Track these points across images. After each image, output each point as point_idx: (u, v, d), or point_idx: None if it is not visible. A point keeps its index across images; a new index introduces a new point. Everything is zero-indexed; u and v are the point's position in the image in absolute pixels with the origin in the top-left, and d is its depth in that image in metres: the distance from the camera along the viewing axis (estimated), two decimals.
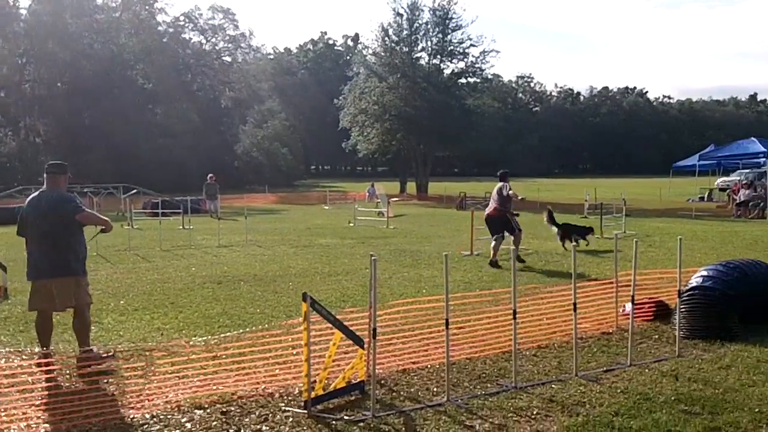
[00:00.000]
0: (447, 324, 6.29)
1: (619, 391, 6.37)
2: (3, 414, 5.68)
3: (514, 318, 6.65)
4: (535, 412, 5.84)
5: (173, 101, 67.27)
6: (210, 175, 32.18)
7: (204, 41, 75.24)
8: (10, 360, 7.34)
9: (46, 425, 5.55)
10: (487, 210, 15.75)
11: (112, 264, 15.07)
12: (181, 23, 73.58)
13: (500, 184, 15.66)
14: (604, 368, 7.08)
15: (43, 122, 63.11)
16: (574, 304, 7.01)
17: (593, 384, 6.58)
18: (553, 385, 6.55)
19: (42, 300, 7.28)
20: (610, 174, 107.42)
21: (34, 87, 62.92)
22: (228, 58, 76.89)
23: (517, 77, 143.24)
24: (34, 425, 5.54)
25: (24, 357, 7.48)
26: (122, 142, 57.99)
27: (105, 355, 7.41)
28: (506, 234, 15.03)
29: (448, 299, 6.27)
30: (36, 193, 7.51)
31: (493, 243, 14.94)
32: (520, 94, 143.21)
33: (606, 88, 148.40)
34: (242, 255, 16.53)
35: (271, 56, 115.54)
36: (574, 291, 7.00)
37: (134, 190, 40.76)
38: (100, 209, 22.95)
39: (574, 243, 16.44)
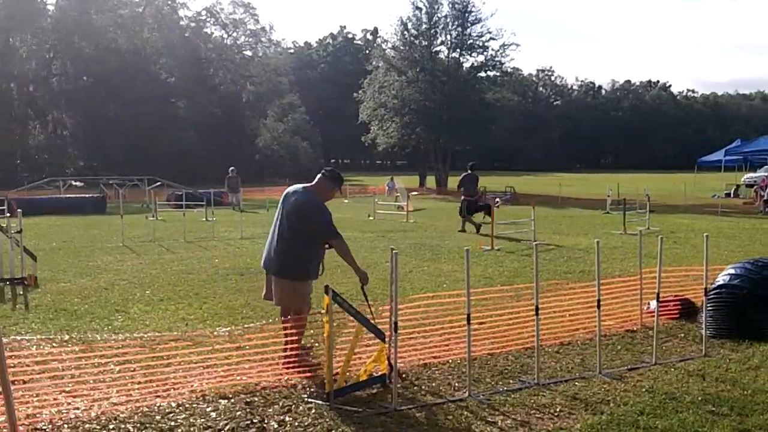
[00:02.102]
0: (468, 319, 6.28)
1: (644, 390, 6.32)
2: (35, 400, 5.77)
3: (537, 314, 6.64)
4: (558, 410, 5.82)
5: (195, 95, 67.64)
6: (232, 168, 32.39)
7: (225, 36, 75.59)
8: (41, 347, 7.43)
9: (76, 411, 5.62)
10: (471, 196, 20.38)
11: (137, 255, 15.21)
12: (203, 18, 74.00)
13: (471, 173, 20.68)
14: (629, 366, 7.04)
15: (70, 115, 63.75)
16: (598, 300, 6.96)
17: (617, 382, 6.54)
18: (576, 383, 6.53)
19: (268, 289, 7.37)
20: (633, 169, 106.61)
21: (61, 81, 63.57)
22: (249, 53, 77.23)
23: (538, 71, 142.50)
24: (65, 411, 5.61)
25: (54, 344, 7.58)
26: (145, 135, 58.44)
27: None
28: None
29: (470, 294, 6.28)
30: (294, 186, 7.28)
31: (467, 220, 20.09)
32: (541, 88, 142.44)
33: (628, 81, 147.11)
34: (264, 247, 16.56)
35: (291, 50, 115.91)
36: (598, 287, 6.96)
37: (158, 183, 41.04)
38: (126, 200, 23.11)
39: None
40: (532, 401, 6.02)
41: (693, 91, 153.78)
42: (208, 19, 74.28)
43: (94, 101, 60.43)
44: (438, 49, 55.29)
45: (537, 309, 6.63)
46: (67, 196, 35.47)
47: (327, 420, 5.58)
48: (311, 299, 7.27)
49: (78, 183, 51.93)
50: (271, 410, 5.78)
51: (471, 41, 54.03)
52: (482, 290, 9.68)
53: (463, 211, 20.37)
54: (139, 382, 6.24)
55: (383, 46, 60.94)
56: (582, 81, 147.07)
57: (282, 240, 7.06)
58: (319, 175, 7.20)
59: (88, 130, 61.63)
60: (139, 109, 58.94)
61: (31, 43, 61.54)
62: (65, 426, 5.37)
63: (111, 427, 5.38)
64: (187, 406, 5.84)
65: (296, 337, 6.91)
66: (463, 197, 20.60)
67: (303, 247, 6.97)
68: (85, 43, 60.21)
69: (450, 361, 7.15)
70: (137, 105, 59.03)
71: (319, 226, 6.91)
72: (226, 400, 5.99)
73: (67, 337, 7.89)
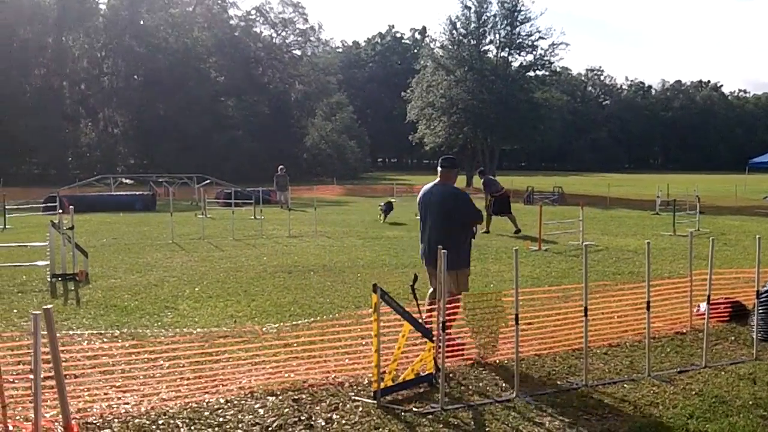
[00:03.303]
0: (516, 319, 6.26)
1: (693, 393, 6.22)
2: (85, 394, 5.88)
3: (585, 315, 6.57)
4: (606, 412, 5.76)
5: (244, 94, 68.42)
6: (281, 166, 32.62)
7: (274, 35, 76.32)
8: (92, 342, 7.58)
9: (126, 406, 5.73)
10: (500, 193, 20.55)
11: (186, 252, 15.41)
12: (252, 17, 74.87)
13: (485, 177, 21.25)
14: (678, 369, 6.93)
15: (120, 114, 64.98)
16: (648, 302, 6.86)
17: (666, 385, 6.45)
18: (624, 385, 6.45)
19: (430, 283, 7.74)
20: (682, 169, 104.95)
21: (112, 80, 64.86)
22: (298, 52, 77.87)
23: (587, 70, 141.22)
24: (115, 405, 5.72)
25: (105, 339, 7.74)
26: (195, 133, 59.27)
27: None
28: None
29: (518, 294, 6.25)
30: (429, 185, 7.92)
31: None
32: (590, 88, 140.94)
33: (679, 81, 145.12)
34: (312, 245, 16.70)
35: (340, 50, 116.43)
36: (647, 289, 6.86)
37: (207, 181, 41.53)
38: (175, 198, 23.43)
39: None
40: (580, 403, 5.96)
41: (745, 91, 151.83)
42: (258, 19, 75.18)
43: (145, 100, 61.51)
44: (486, 48, 55.25)
45: (586, 310, 6.57)
46: (118, 193, 36.10)
47: (374, 418, 5.60)
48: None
49: (128, 181, 52.80)
50: (318, 408, 5.82)
51: (520, 40, 53.84)
52: (529, 291, 9.60)
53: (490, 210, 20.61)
54: (188, 378, 6.33)
55: (431, 45, 61.22)
56: (632, 81, 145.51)
57: (442, 234, 7.49)
58: (439, 169, 7.84)
59: (139, 128, 62.75)
60: (189, 107, 59.83)
61: (84, 42, 62.83)
62: (115, 420, 5.47)
63: (160, 422, 5.46)
64: (235, 402, 5.90)
65: (451, 321, 6.99)
66: (490, 196, 20.83)
67: (461, 234, 7.67)
68: (136, 42, 61.33)
69: (497, 361, 7.12)
70: (187, 103, 59.92)
71: (471, 210, 7.75)
72: (273, 397, 6.03)
73: (117, 333, 8.03)
